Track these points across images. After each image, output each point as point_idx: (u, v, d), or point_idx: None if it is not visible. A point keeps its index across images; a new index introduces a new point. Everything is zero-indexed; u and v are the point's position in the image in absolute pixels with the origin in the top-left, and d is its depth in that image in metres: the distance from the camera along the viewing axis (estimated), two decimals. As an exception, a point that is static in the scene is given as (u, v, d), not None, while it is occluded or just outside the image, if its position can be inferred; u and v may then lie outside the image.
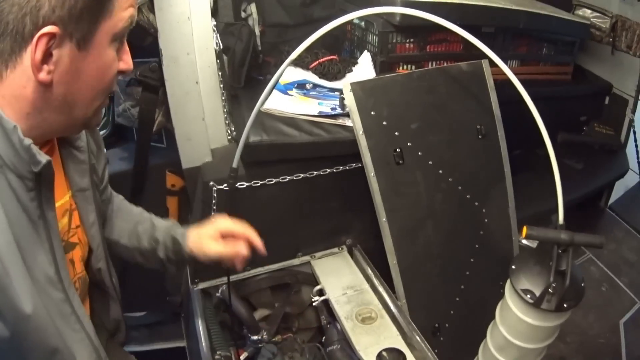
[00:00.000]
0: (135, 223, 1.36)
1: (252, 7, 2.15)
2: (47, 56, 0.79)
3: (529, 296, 1.54)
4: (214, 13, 1.93)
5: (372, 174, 1.74)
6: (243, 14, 2.18)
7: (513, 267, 1.63)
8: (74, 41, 0.80)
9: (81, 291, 1.10)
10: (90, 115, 0.94)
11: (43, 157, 0.82)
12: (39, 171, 0.82)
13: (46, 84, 0.81)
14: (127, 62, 0.94)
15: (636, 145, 3.12)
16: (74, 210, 1.09)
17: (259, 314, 2.03)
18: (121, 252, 1.38)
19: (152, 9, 1.70)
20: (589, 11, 3.00)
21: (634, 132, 3.07)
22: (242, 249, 1.27)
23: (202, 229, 1.31)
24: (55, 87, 0.83)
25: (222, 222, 1.31)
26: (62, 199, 1.04)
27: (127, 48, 0.93)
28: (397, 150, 1.80)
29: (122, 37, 0.89)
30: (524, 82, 1.59)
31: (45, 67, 0.80)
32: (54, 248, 0.91)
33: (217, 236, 1.29)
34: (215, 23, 1.77)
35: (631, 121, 3.04)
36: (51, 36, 0.77)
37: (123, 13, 0.85)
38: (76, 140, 1.07)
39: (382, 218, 1.77)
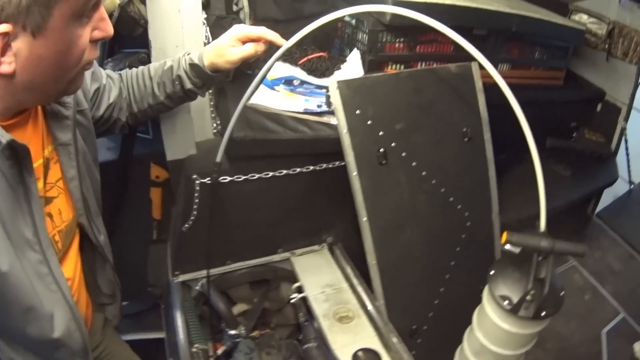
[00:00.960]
0: (150, 80, 1.45)
1: (244, 1, 2.13)
2: (5, 50, 0.82)
3: (506, 302, 1.53)
4: (206, 6, 1.91)
5: (355, 173, 1.73)
6: (235, 7, 2.16)
7: (492, 272, 1.62)
8: (29, 31, 0.81)
9: (63, 243, 1.15)
10: (63, 88, 0.98)
11: (4, 138, 0.85)
12: (6, 145, 0.86)
13: (9, 74, 0.84)
14: (103, 29, 0.95)
15: (627, 154, 3.11)
16: (55, 163, 1.12)
17: (238, 308, 2.04)
18: (154, 113, 1.53)
19: (143, 0, 1.69)
20: (585, 16, 2.97)
21: (626, 141, 3.05)
22: (261, 47, 1.37)
23: (218, 42, 1.38)
24: (19, 75, 0.86)
25: (237, 29, 1.37)
26: (41, 155, 1.07)
27: (103, 15, 0.94)
28: (381, 150, 1.79)
29: (88, 10, 0.88)
30: (514, 86, 1.57)
31: (5, 59, 0.82)
32: (33, 211, 0.96)
33: (235, 43, 1.36)
34: (206, 16, 1.76)
35: (623, 129, 3.02)
36: (3, 35, 0.79)
37: None
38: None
39: (363, 218, 1.76)
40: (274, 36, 1.38)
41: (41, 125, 1.08)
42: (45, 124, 1.09)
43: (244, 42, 1.37)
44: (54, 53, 0.87)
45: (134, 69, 1.49)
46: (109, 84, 1.39)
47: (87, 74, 1.28)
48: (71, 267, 1.19)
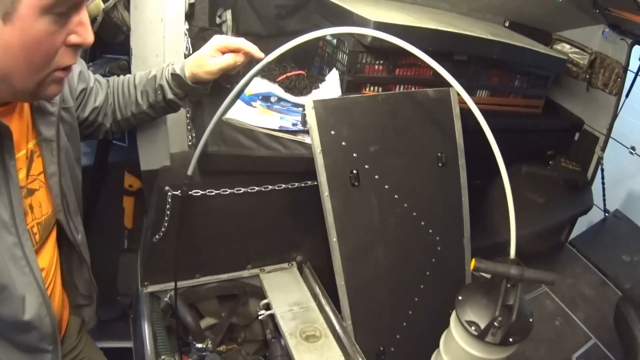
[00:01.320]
0: (135, 88, 1.47)
1: (228, 14, 2.14)
2: None
3: (473, 328, 1.53)
4: (190, 17, 1.92)
5: (326, 194, 1.74)
6: (218, 20, 2.17)
7: (460, 297, 1.63)
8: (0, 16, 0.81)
9: (41, 236, 1.16)
10: (33, 88, 0.94)
11: None
12: None
13: None
14: (81, 34, 0.92)
15: (603, 183, 3.15)
16: (38, 157, 1.14)
17: (206, 322, 2.02)
18: (137, 122, 1.53)
19: (127, 6, 1.68)
20: (567, 46, 3.02)
21: (602, 170, 3.09)
22: (240, 58, 1.37)
23: (199, 53, 1.38)
24: None
25: (216, 40, 1.37)
26: (25, 147, 1.09)
27: (83, 20, 0.91)
28: (354, 171, 1.79)
29: (62, 8, 0.86)
30: (492, 113, 1.59)
31: None
32: (11, 195, 0.99)
33: (215, 54, 1.36)
34: (188, 27, 1.77)
35: (600, 158, 3.07)
36: None
37: None
38: None
39: (333, 238, 1.77)
40: (252, 48, 1.38)
41: (27, 118, 1.09)
42: (31, 118, 1.11)
43: (223, 53, 1.37)
44: (22, 44, 0.85)
45: (121, 77, 1.50)
46: (96, 87, 1.40)
47: (75, 72, 1.29)
48: (47, 259, 1.20)
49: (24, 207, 1.06)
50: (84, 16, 0.91)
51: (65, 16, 0.88)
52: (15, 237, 1.01)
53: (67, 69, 0.97)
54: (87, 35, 0.93)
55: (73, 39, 0.91)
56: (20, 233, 1.02)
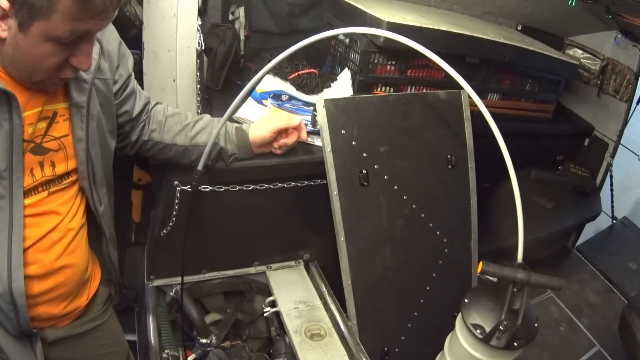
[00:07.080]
0: (188, 123, 1.58)
1: (241, 11, 2.14)
2: (3, 18, 0.96)
3: (478, 331, 1.54)
4: (202, 12, 1.92)
5: (335, 193, 1.74)
6: (231, 17, 2.18)
7: (466, 300, 1.63)
8: (17, 21, 0.95)
9: (49, 191, 1.21)
10: (35, 82, 1.07)
11: None
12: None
13: (2, 38, 0.99)
14: (80, 61, 1.06)
15: (612, 190, 3.13)
16: (65, 120, 1.21)
17: (211, 317, 2.02)
18: (175, 154, 1.59)
19: (140, 1, 1.69)
20: (579, 51, 3.01)
21: (611, 177, 3.08)
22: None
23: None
24: (7, 45, 1.00)
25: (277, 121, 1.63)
26: (50, 105, 1.17)
27: (86, 49, 1.06)
28: (363, 171, 1.79)
29: (66, 39, 0.99)
30: (503, 117, 1.58)
31: (2, 25, 0.97)
32: (12, 149, 1.06)
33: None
34: (200, 23, 1.77)
35: (609, 165, 3.05)
36: (2, 9, 0.94)
37: (63, 24, 0.96)
38: None
39: (341, 237, 1.76)
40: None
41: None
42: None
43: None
44: (27, 52, 0.99)
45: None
46: (138, 95, 1.48)
47: (118, 54, 1.35)
48: (62, 203, 1.26)
49: (31, 163, 1.14)
50: (87, 47, 1.06)
51: (73, 44, 1.02)
52: (4, 190, 1.07)
53: (68, 77, 1.12)
54: (84, 64, 1.08)
55: (73, 61, 1.06)
56: (13, 188, 1.08)
